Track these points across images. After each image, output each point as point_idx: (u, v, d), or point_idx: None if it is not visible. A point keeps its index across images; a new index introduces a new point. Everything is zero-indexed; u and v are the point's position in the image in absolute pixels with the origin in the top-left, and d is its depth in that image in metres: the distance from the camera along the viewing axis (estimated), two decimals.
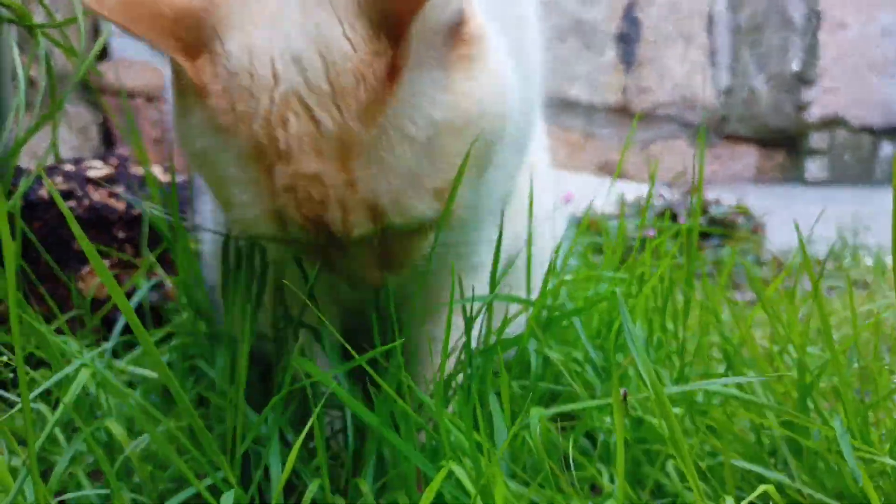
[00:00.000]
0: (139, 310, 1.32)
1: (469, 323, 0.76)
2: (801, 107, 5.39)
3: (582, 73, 5.33)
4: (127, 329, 1.29)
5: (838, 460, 0.64)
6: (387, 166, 0.61)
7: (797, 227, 0.76)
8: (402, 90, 0.61)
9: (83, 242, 0.63)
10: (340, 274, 0.70)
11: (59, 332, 1.10)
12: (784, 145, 5.45)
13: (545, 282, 0.86)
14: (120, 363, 1.03)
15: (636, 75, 5.36)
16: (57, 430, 0.77)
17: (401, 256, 0.70)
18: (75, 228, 0.61)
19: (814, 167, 5.36)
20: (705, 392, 0.76)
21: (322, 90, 0.60)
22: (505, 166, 0.86)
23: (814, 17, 5.33)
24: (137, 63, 3.99)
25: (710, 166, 5.43)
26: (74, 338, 1.10)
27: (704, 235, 2.22)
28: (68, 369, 0.68)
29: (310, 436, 0.64)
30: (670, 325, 0.89)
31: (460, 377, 0.75)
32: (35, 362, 1.02)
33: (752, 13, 5.39)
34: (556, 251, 0.96)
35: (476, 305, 0.77)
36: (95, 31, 3.93)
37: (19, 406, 0.82)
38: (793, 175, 5.42)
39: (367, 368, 0.65)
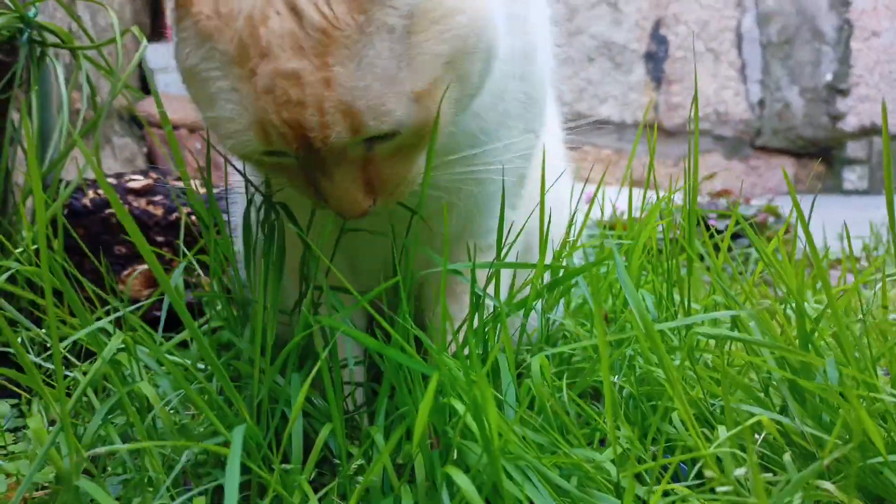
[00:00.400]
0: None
1: (475, 290, 0.79)
2: (836, 117, 5.32)
3: (612, 93, 5.36)
4: (167, 326, 1.35)
5: (840, 401, 0.65)
6: (366, 63, 0.61)
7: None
8: None
9: (136, 237, 0.68)
10: (327, 201, 0.70)
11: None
12: (820, 156, 5.38)
13: (556, 252, 0.89)
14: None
15: (666, 93, 5.37)
16: (93, 397, 0.82)
17: (385, 180, 0.70)
18: (129, 225, 0.66)
19: (852, 176, 5.27)
20: (705, 339, 0.78)
21: None
22: (508, 139, 0.88)
23: (846, 27, 5.29)
24: (180, 97, 4.16)
25: (746, 178, 5.38)
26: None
27: (733, 236, 2.21)
28: (95, 325, 0.73)
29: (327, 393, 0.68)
30: (676, 296, 0.91)
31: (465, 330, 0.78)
32: (81, 352, 1.07)
33: (781, 27, 5.37)
34: (569, 226, 0.99)
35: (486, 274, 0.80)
36: (140, 70, 4.10)
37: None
38: (831, 185, 5.33)
39: (371, 310, 0.69)
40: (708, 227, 2.17)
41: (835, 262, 2.33)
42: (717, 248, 0.93)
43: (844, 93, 5.32)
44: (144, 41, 1.49)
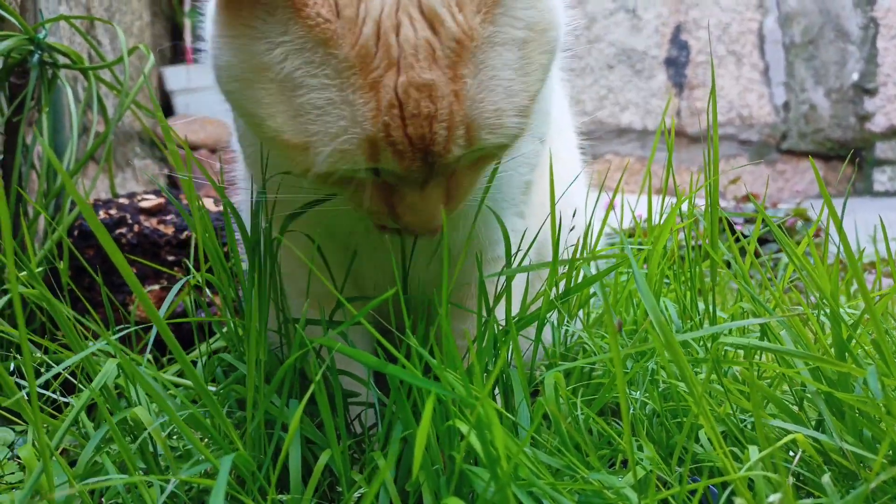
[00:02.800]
0: (187, 328, 1.36)
1: (484, 298, 0.75)
2: (864, 117, 5.20)
3: (633, 100, 5.30)
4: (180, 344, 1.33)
5: (883, 416, 0.60)
6: (490, 75, 0.59)
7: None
8: None
9: (120, 265, 0.64)
10: (406, 217, 0.66)
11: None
12: (849, 158, 5.26)
13: (571, 258, 0.85)
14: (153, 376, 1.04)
15: (689, 98, 5.29)
16: (88, 424, 0.79)
17: (462, 192, 0.68)
18: (116, 256, 0.62)
19: (882, 178, 5.14)
20: (734, 354, 0.72)
21: None
22: (517, 150, 0.85)
23: (871, 26, 5.18)
24: (199, 119, 4.19)
25: (773, 183, 5.27)
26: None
27: (761, 241, 2.14)
28: (86, 352, 0.70)
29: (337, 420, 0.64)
30: (701, 305, 0.85)
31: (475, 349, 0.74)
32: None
33: (804, 28, 5.27)
34: (586, 234, 0.94)
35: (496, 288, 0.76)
36: (163, 90, 4.14)
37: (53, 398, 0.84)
38: (861, 187, 5.20)
39: (370, 328, 0.65)
40: (734, 232, 2.11)
41: (867, 265, 2.24)
42: (743, 252, 0.88)
43: (872, 92, 5.20)
44: (151, 58, 1.48)
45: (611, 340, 0.49)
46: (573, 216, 1.06)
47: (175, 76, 4.17)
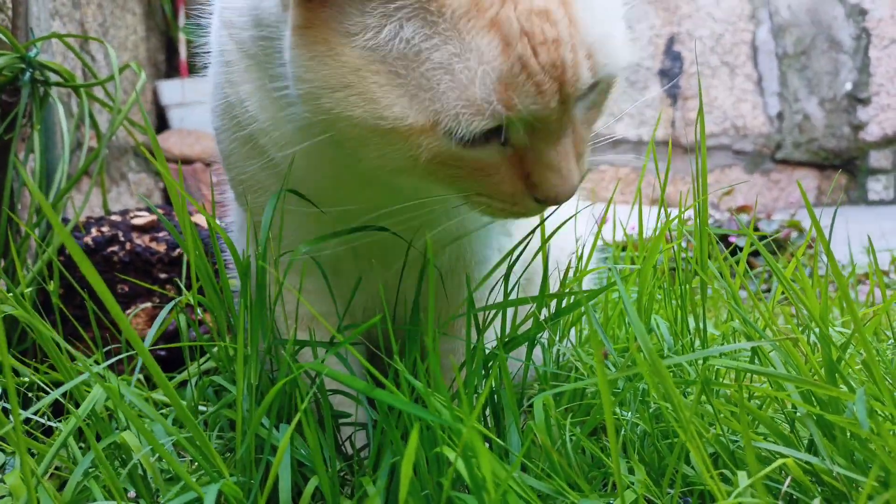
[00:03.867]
0: (177, 343, 1.35)
1: (479, 327, 0.75)
2: (858, 126, 5.22)
3: (628, 111, 5.32)
4: (169, 363, 1.32)
5: (874, 438, 0.59)
6: (593, 8, 0.60)
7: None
8: None
9: (101, 291, 0.63)
10: (548, 182, 0.64)
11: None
12: (843, 167, 5.27)
13: (561, 281, 0.85)
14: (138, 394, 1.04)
15: (682, 108, 5.31)
16: (75, 449, 0.78)
17: (583, 147, 0.67)
18: (93, 278, 0.62)
19: (877, 186, 5.16)
20: (724, 374, 0.72)
21: None
22: None
23: (863, 36, 5.21)
24: (195, 132, 4.19)
25: (768, 193, 5.28)
26: (114, 374, 1.13)
27: (755, 253, 2.14)
28: (75, 381, 0.70)
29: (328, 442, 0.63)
30: (691, 320, 0.85)
31: (464, 372, 0.74)
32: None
33: (797, 38, 5.30)
34: (578, 258, 0.94)
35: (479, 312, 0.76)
36: (157, 104, 4.14)
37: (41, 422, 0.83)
38: (855, 196, 5.22)
39: (354, 352, 0.64)
40: (728, 245, 2.09)
41: (862, 276, 2.24)
42: (736, 265, 0.88)
43: (865, 102, 5.22)
44: (143, 75, 1.48)
45: (598, 368, 0.48)
46: (563, 233, 1.05)
47: (170, 90, 4.17)
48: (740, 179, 5.25)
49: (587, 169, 0.70)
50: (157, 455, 0.75)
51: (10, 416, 0.86)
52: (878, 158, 5.18)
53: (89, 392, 0.78)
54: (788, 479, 0.57)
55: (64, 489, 0.69)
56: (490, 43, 0.57)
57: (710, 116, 5.27)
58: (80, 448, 0.81)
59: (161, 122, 4.22)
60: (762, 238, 2.22)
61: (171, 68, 4.67)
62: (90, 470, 0.72)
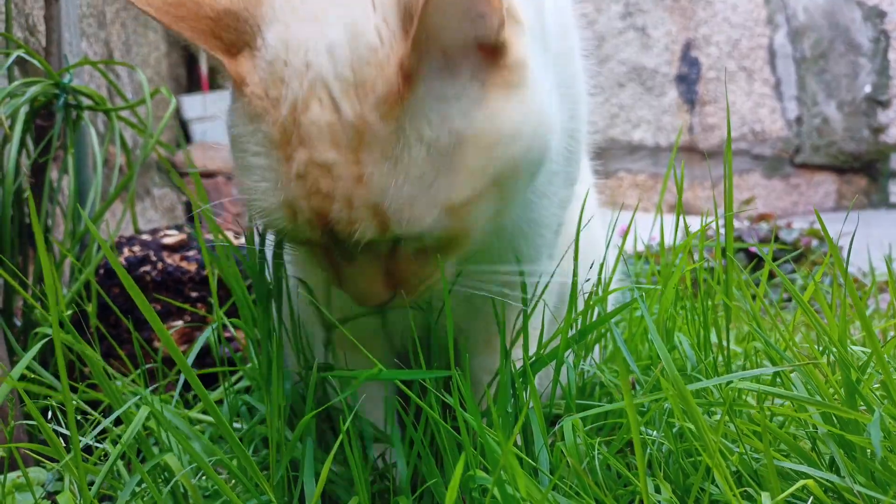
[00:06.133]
0: (210, 363, 1.39)
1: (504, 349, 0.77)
2: (878, 129, 5.19)
3: (645, 117, 5.32)
4: (206, 380, 1.36)
5: (890, 455, 0.61)
6: (400, 166, 0.60)
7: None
8: (419, 91, 0.60)
9: (145, 309, 0.68)
10: (345, 286, 0.70)
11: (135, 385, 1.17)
12: (863, 170, 5.24)
13: (586, 300, 0.87)
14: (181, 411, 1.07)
15: (700, 114, 5.31)
16: (122, 469, 0.82)
17: (410, 277, 0.69)
18: (139, 298, 0.66)
19: None
20: (747, 393, 0.74)
21: (345, 78, 0.60)
22: (554, 195, 0.87)
23: (882, 38, 5.18)
24: (217, 145, 4.26)
25: (788, 197, 5.26)
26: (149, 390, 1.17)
27: (777, 259, 2.15)
28: (124, 407, 0.73)
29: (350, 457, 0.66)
30: (713, 337, 0.87)
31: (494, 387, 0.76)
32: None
33: (814, 42, 5.28)
34: (600, 273, 0.96)
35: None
36: (179, 118, 4.21)
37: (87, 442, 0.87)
38: (877, 200, 5.18)
39: (394, 378, 0.67)
40: (749, 253, 2.09)
41: (883, 283, 2.24)
42: (758, 279, 0.89)
43: (885, 104, 5.19)
44: (173, 100, 1.52)
45: (626, 397, 0.51)
46: (592, 250, 1.07)
47: (191, 105, 4.24)
48: (759, 184, 5.24)
49: (425, 289, 0.71)
50: (197, 477, 0.79)
51: (60, 437, 0.89)
52: None
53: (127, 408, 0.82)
54: (810, 499, 0.59)
55: None
56: (284, 175, 0.63)
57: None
58: (121, 461, 0.85)
59: (185, 135, 4.29)
60: (783, 250, 2.23)
61: (192, 83, 4.75)
62: (135, 490, 0.76)
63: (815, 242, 2.28)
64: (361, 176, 0.61)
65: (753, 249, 2.12)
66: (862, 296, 1.00)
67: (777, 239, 2.30)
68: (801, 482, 0.56)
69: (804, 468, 0.64)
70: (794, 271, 2.16)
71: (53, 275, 1.29)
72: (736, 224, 2.45)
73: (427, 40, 0.59)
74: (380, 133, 0.60)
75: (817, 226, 2.44)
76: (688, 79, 5.30)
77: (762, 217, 2.48)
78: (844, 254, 2.50)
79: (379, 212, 0.62)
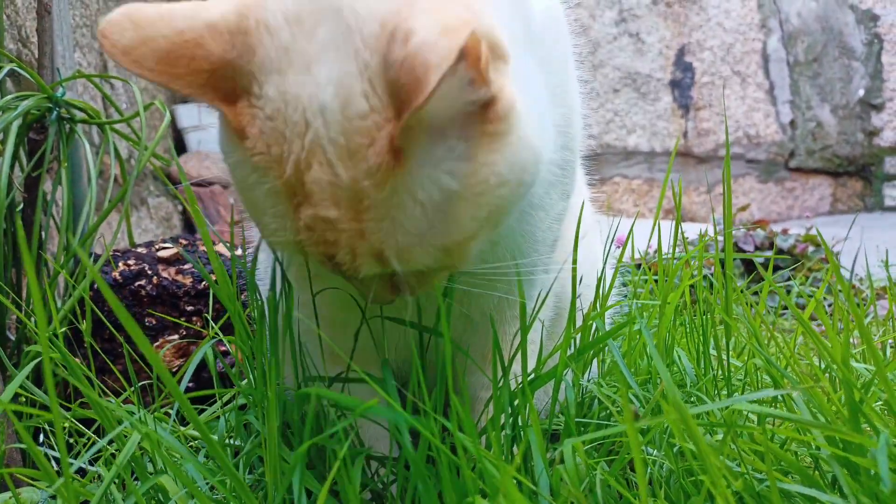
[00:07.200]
0: (206, 377, 1.38)
1: (504, 366, 0.77)
2: (872, 132, 5.21)
3: (639, 122, 5.33)
4: (197, 396, 1.35)
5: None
6: (396, 223, 0.63)
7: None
8: (410, 163, 0.61)
9: (129, 327, 0.67)
10: (354, 288, 0.74)
11: (128, 402, 1.16)
12: (857, 174, 5.26)
13: (585, 316, 0.86)
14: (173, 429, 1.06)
15: (694, 119, 5.32)
16: (116, 493, 0.81)
17: (412, 286, 0.72)
18: (122, 314, 0.66)
19: (894, 192, 5.13)
20: (748, 414, 0.74)
21: (339, 143, 0.61)
22: (551, 208, 0.87)
23: (875, 42, 5.20)
24: (213, 154, 4.25)
25: (783, 201, 5.27)
26: (144, 408, 1.16)
27: (774, 268, 2.14)
28: (115, 431, 0.72)
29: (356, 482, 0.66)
30: (713, 351, 0.87)
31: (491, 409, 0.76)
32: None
33: (808, 46, 5.30)
34: (598, 287, 0.96)
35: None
36: (175, 128, 4.20)
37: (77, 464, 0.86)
38: (871, 203, 5.20)
39: (393, 403, 0.66)
40: (746, 261, 2.08)
41: (881, 290, 2.24)
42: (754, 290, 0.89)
43: (879, 108, 5.21)
44: (167, 114, 1.51)
45: (627, 423, 0.50)
46: (590, 263, 1.07)
47: (187, 114, 4.23)
48: (754, 188, 5.25)
49: (428, 286, 0.74)
50: (192, 497, 0.78)
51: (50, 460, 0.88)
52: (893, 164, 5.16)
53: (119, 425, 0.81)
54: None
55: None
56: (293, 223, 0.66)
57: (721, 126, 5.28)
58: (114, 483, 0.84)
59: (178, 146, 4.28)
60: (780, 254, 2.23)
61: None
62: None
63: (811, 248, 2.28)
64: (363, 231, 0.63)
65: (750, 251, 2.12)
66: (859, 303, 0.99)
67: (773, 245, 2.30)
68: None
69: (807, 490, 0.63)
70: (790, 278, 2.16)
71: (46, 292, 1.28)
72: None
73: (420, 123, 0.61)
74: (375, 197, 0.62)
75: (813, 231, 2.44)
76: (682, 84, 5.32)
77: (758, 223, 2.49)
78: (841, 259, 2.49)
79: (381, 257, 0.65)
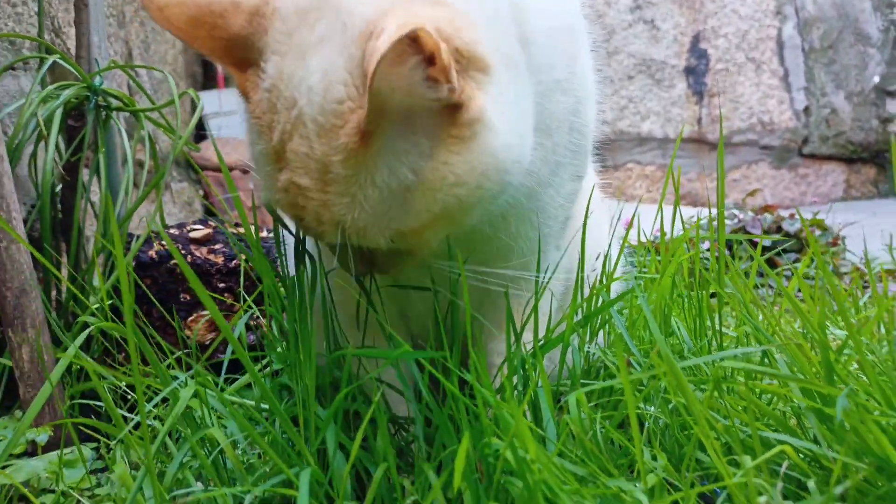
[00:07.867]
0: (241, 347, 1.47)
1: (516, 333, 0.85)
2: (887, 119, 5.22)
3: (654, 109, 5.37)
4: (230, 366, 1.44)
5: (866, 429, 0.68)
6: (356, 201, 0.72)
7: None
8: (374, 147, 0.70)
9: (198, 289, 0.77)
10: (340, 261, 0.81)
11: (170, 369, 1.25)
12: (871, 160, 5.27)
13: (592, 288, 0.95)
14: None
15: (709, 105, 5.35)
16: (170, 443, 0.90)
17: (381, 262, 0.81)
18: (192, 278, 0.76)
19: None
20: (734, 370, 0.81)
21: (317, 121, 0.71)
22: (560, 187, 0.94)
23: (892, 28, 5.20)
24: (232, 140, 4.34)
25: (797, 187, 5.30)
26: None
27: (781, 251, 2.21)
28: (171, 386, 0.81)
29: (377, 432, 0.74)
30: (707, 322, 0.94)
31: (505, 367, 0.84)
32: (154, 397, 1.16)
33: (823, 32, 5.31)
34: (604, 264, 1.03)
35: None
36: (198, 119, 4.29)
37: (136, 420, 0.96)
38: (885, 189, 5.21)
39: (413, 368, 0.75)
40: (753, 244, 2.16)
41: (886, 272, 2.30)
42: (759, 266, 0.96)
43: (894, 94, 5.21)
44: (200, 102, 1.60)
45: (622, 376, 0.58)
46: (597, 241, 1.14)
47: (207, 100, 4.32)
48: (767, 174, 5.28)
49: (397, 269, 0.83)
50: (238, 447, 0.87)
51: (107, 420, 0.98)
52: None
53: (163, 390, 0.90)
54: (786, 463, 0.66)
55: (164, 478, 0.81)
56: (274, 182, 0.76)
57: (736, 113, 5.31)
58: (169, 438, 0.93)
59: (199, 132, 4.38)
60: (787, 238, 2.29)
61: (207, 79, 4.84)
62: (184, 461, 0.84)
63: (817, 232, 2.34)
64: (326, 202, 0.72)
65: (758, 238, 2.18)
66: (851, 282, 1.06)
67: (780, 230, 2.36)
68: (779, 447, 0.63)
69: (786, 437, 0.71)
70: (797, 261, 2.22)
71: (96, 270, 1.37)
72: (740, 215, 2.51)
73: (380, 104, 0.69)
74: (340, 174, 0.71)
75: (821, 216, 2.50)
76: (696, 71, 5.34)
77: (766, 208, 2.55)
78: (850, 243, 2.54)
79: (340, 228, 0.74)
